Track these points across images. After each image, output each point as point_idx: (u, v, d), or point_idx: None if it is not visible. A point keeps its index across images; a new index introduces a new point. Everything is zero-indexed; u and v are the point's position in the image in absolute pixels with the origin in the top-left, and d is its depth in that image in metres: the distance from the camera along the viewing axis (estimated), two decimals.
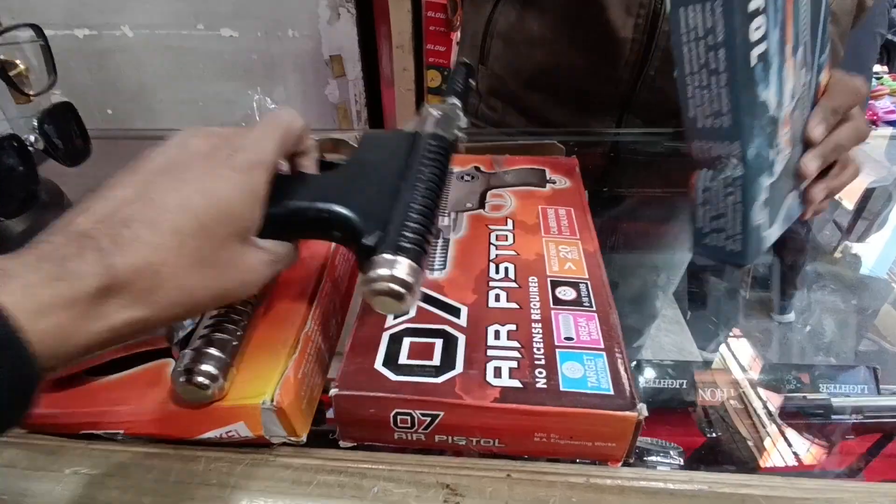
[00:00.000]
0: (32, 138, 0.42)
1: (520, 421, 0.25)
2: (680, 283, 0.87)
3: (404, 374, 0.26)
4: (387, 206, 0.25)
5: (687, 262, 0.81)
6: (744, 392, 0.55)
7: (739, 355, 1.16)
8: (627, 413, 0.25)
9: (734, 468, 0.47)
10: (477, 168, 0.45)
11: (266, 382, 0.26)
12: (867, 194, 1.00)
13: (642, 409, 0.25)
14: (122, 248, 0.19)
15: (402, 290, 0.22)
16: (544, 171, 0.44)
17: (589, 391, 0.26)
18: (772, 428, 0.49)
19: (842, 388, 0.61)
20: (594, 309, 0.30)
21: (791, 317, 1.32)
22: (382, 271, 0.22)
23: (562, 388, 0.26)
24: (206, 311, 0.26)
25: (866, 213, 1.06)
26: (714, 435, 0.47)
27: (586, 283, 0.32)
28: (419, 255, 0.24)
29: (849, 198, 1.00)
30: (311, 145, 0.29)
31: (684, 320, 1.24)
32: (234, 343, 0.27)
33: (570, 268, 0.33)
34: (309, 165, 0.29)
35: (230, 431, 0.26)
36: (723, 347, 1.26)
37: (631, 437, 0.26)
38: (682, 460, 0.41)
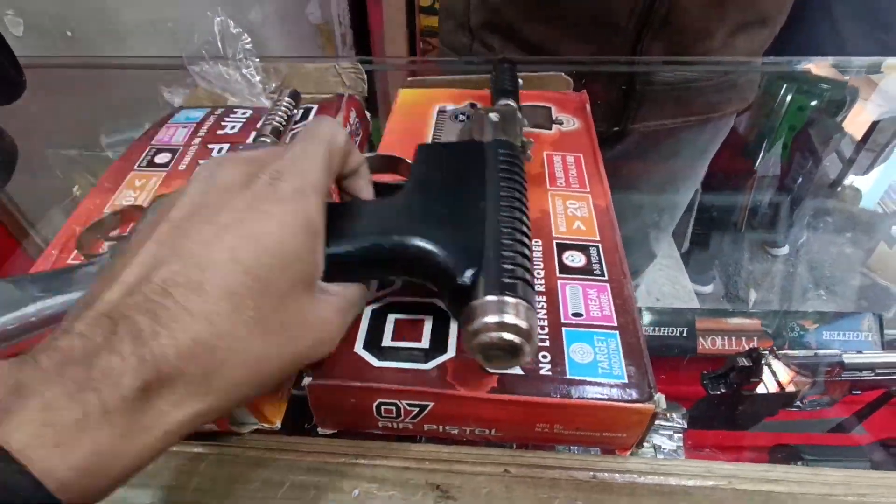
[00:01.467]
0: None
1: (520, 413, 0.22)
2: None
3: (389, 359, 0.23)
4: (477, 236, 0.21)
5: (689, 198, 0.77)
6: (750, 344, 0.53)
7: (732, 290, 1.15)
8: (642, 405, 0.22)
9: (739, 426, 0.45)
10: (473, 105, 0.39)
11: None
12: (874, 126, 0.97)
13: (660, 401, 0.22)
14: (167, 325, 0.15)
15: (517, 339, 0.18)
16: (550, 109, 0.39)
17: (600, 379, 0.22)
18: (779, 379, 0.47)
19: (846, 336, 0.59)
20: (606, 278, 0.27)
21: (785, 250, 1.32)
22: (490, 319, 0.18)
23: (569, 376, 0.22)
24: (275, 387, 0.19)
25: (871, 144, 1.05)
26: (718, 392, 0.46)
27: (597, 247, 0.28)
28: (529, 293, 0.19)
29: (856, 130, 0.97)
30: (361, 163, 0.23)
31: (679, 254, 1.22)
32: None
33: (580, 227, 0.29)
34: (363, 189, 0.24)
35: None
36: (716, 282, 1.26)
37: (644, 429, 0.23)
38: (685, 423, 0.39)
